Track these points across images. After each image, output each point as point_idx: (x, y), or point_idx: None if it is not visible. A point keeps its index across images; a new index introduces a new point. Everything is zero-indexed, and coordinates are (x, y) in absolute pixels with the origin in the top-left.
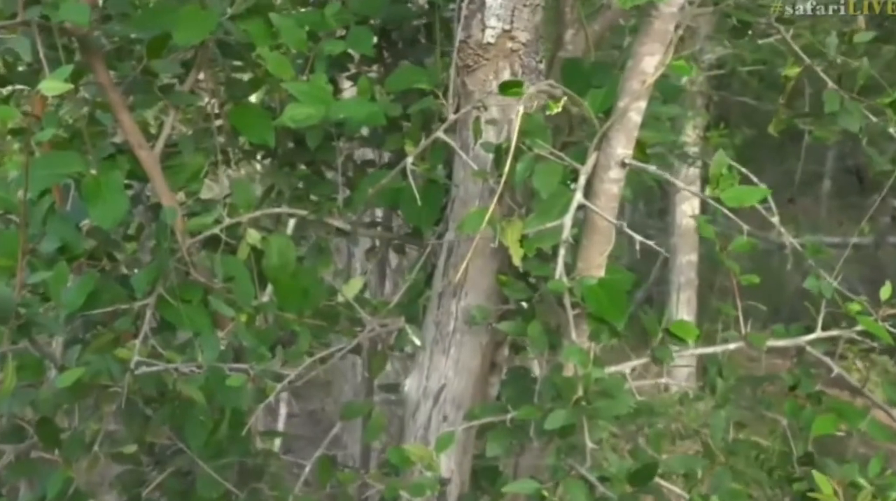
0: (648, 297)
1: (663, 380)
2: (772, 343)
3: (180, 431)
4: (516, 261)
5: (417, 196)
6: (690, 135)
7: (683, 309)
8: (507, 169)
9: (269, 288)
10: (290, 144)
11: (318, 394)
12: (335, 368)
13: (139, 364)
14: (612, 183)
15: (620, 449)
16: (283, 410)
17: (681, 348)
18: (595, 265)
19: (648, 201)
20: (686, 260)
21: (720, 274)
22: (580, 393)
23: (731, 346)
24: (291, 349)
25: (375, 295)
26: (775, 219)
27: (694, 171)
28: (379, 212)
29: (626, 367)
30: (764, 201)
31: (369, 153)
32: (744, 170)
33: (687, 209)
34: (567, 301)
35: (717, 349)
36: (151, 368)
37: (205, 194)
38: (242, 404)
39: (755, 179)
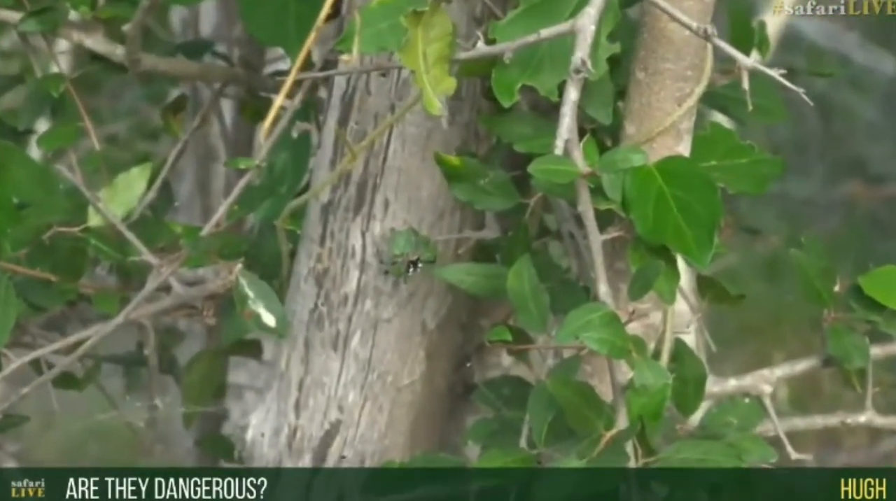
0: None
1: (864, 419)
2: None
3: None
4: (432, 109)
5: None
6: None
7: None
8: None
9: None
10: None
11: None
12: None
13: None
14: None
15: None
16: None
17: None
18: (660, 127)
19: None
20: None
21: None
22: (622, 423)
23: None
24: None
25: (191, 213)
26: None
27: None
28: (207, 23)
29: (758, 381)
30: None
31: None
32: None
33: None
34: (586, 206)
35: None
36: None
37: None
38: None
39: None
